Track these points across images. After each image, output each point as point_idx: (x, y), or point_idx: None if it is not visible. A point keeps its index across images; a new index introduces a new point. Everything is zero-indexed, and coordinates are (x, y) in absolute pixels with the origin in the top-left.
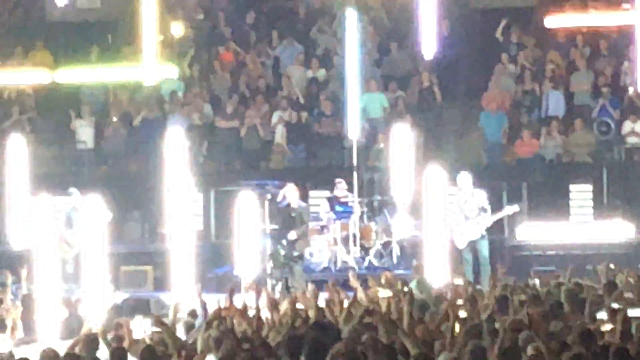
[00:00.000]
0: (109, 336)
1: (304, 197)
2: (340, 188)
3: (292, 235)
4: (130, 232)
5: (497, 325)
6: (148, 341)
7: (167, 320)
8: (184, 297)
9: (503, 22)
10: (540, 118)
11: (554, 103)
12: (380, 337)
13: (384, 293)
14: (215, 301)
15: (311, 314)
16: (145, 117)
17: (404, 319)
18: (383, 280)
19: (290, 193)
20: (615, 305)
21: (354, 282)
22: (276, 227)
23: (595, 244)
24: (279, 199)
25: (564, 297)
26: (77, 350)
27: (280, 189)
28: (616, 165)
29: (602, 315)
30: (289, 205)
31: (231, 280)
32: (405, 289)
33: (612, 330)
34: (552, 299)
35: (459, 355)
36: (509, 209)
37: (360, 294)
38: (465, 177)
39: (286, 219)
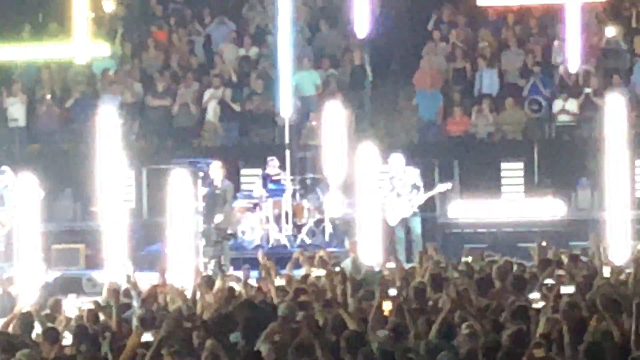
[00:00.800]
0: (42, 314)
1: (236, 175)
2: (273, 166)
3: (219, 218)
4: (62, 211)
5: (430, 303)
6: (82, 320)
7: (101, 299)
8: (117, 275)
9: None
10: (472, 96)
11: (488, 81)
12: (315, 316)
13: (318, 272)
14: (148, 279)
15: (244, 292)
16: (77, 95)
17: (338, 297)
18: (317, 259)
19: (214, 171)
20: (548, 282)
21: (263, 261)
22: (204, 205)
23: (526, 222)
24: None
25: (495, 274)
26: (10, 328)
27: (225, 168)
28: (547, 143)
29: (534, 293)
30: (212, 183)
31: (163, 259)
32: (337, 268)
33: (544, 307)
34: (484, 277)
35: (395, 333)
36: (441, 187)
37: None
38: (398, 156)
39: (211, 198)
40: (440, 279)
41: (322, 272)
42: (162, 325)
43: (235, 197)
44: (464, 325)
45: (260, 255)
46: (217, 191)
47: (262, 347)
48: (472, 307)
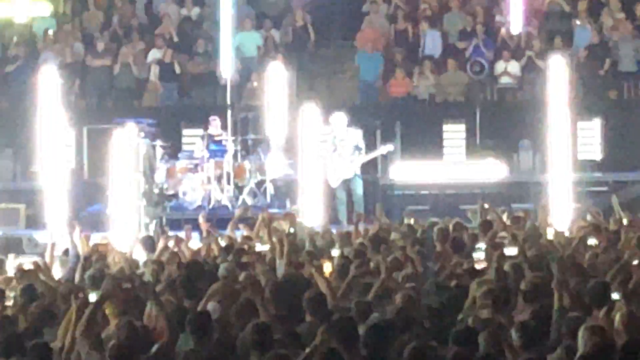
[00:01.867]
0: None
1: (178, 135)
2: (215, 126)
3: (159, 178)
4: (2, 170)
5: (372, 265)
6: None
7: (42, 260)
8: (58, 235)
9: None
10: (414, 58)
11: (431, 42)
12: (257, 276)
13: (262, 247)
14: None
15: (186, 253)
16: (16, 54)
17: (284, 259)
18: (259, 220)
19: (128, 130)
20: (488, 244)
21: (204, 224)
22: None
23: (468, 184)
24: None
25: (436, 236)
26: None
27: (152, 127)
28: (489, 105)
29: (476, 255)
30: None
31: (104, 218)
32: (291, 230)
33: (486, 268)
34: (426, 239)
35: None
36: (383, 149)
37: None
38: (340, 117)
39: (146, 158)
40: (381, 241)
41: (265, 247)
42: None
43: (175, 158)
44: (399, 293)
45: (200, 218)
46: (142, 151)
47: (210, 306)
48: (414, 270)
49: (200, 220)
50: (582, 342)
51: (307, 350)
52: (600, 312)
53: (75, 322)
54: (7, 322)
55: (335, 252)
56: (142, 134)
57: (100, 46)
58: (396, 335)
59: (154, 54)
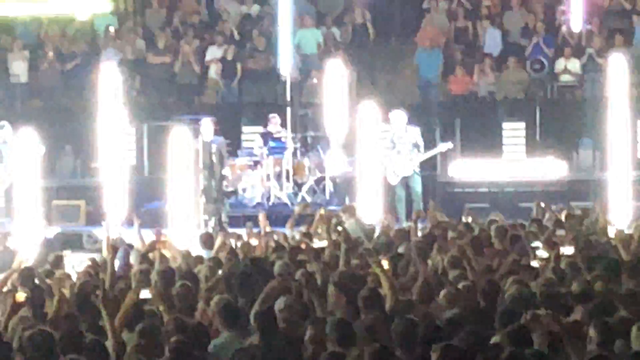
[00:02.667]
0: (42, 270)
1: (237, 132)
2: (274, 123)
3: (227, 174)
4: (62, 167)
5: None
6: (82, 276)
7: (100, 257)
8: (117, 231)
9: None
10: (474, 55)
11: (491, 40)
12: (314, 274)
13: (320, 243)
14: (147, 235)
15: (243, 250)
16: (78, 51)
17: (342, 256)
18: (318, 217)
19: (205, 127)
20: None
21: (263, 222)
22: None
23: (527, 182)
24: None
25: (494, 234)
26: (9, 283)
27: (213, 124)
28: (549, 103)
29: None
30: (203, 140)
31: (163, 215)
32: (340, 227)
33: (543, 266)
34: (484, 236)
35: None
36: (443, 146)
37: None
38: (399, 114)
39: (205, 156)
40: (436, 239)
41: (323, 243)
42: (159, 282)
43: (235, 155)
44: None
45: (260, 216)
46: (213, 149)
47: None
48: (470, 267)
49: (260, 217)
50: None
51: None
52: None
53: (123, 318)
54: (66, 319)
55: (394, 250)
56: (213, 131)
57: (161, 43)
58: (451, 335)
59: (214, 51)
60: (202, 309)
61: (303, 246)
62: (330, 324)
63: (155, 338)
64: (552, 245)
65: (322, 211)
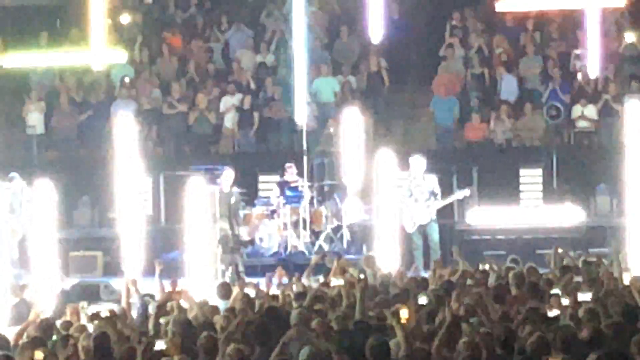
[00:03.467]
0: (58, 322)
1: (254, 182)
2: (291, 172)
3: (243, 230)
4: (79, 218)
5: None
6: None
7: (119, 307)
8: (134, 281)
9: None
10: (490, 102)
11: (508, 87)
12: (330, 323)
13: (336, 281)
14: (163, 286)
15: (260, 300)
16: (94, 101)
17: (357, 305)
18: (336, 266)
19: (224, 178)
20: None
21: (280, 274)
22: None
23: (545, 228)
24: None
25: (512, 281)
26: (25, 336)
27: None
28: (566, 149)
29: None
30: (221, 190)
31: (180, 265)
32: (362, 275)
33: (562, 314)
34: (501, 283)
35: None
36: (460, 194)
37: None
38: (418, 161)
39: (224, 205)
40: (456, 286)
41: (340, 282)
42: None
43: (252, 205)
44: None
45: (277, 270)
46: (232, 200)
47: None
48: (487, 314)
49: (277, 271)
50: None
51: None
52: None
53: None
54: None
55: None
56: (219, 181)
57: (177, 93)
58: None
59: (230, 101)
60: None
61: (321, 295)
62: None
63: None
64: (570, 291)
65: (340, 260)
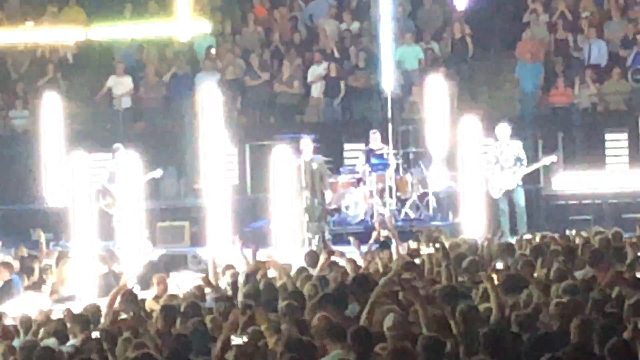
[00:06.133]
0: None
1: (339, 150)
2: (375, 139)
3: (328, 194)
4: (166, 188)
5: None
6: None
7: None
8: (222, 251)
9: None
10: (574, 67)
11: (593, 51)
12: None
13: (426, 250)
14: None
15: (349, 268)
16: (178, 73)
17: (443, 271)
18: (424, 237)
19: (304, 146)
20: None
21: (356, 244)
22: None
23: (631, 193)
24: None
25: (599, 245)
26: (116, 305)
27: (314, 143)
28: None
29: None
30: (303, 158)
31: (267, 234)
32: (437, 245)
33: None
34: (592, 248)
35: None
36: (546, 160)
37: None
38: (503, 128)
39: (307, 174)
40: (541, 253)
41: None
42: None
43: (337, 173)
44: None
45: (352, 240)
46: (314, 166)
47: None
48: (573, 281)
49: (352, 241)
50: None
51: None
52: None
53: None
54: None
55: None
56: (313, 149)
57: (261, 62)
58: (555, 348)
59: (315, 70)
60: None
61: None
62: (421, 342)
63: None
64: None
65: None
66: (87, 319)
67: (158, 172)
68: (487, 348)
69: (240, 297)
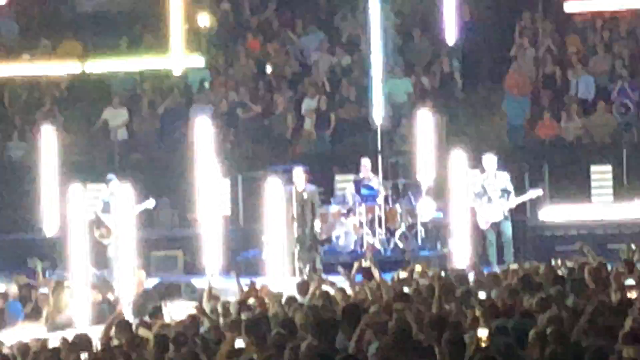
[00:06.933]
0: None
1: (330, 181)
2: (365, 168)
3: (317, 225)
4: (161, 218)
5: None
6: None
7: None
8: (215, 280)
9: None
10: (560, 101)
11: (583, 86)
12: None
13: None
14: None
15: (338, 297)
16: (172, 105)
17: (435, 301)
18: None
19: (297, 177)
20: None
21: (344, 275)
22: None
23: (616, 224)
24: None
25: (587, 275)
26: (111, 334)
27: (308, 174)
28: (636, 146)
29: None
30: (295, 189)
31: (259, 264)
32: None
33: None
34: (576, 278)
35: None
36: (533, 193)
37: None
38: (490, 159)
39: (298, 205)
40: (530, 281)
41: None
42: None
43: (328, 203)
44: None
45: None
46: (305, 196)
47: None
48: (558, 311)
49: (340, 271)
50: None
51: None
52: None
53: None
54: None
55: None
56: (305, 180)
57: (254, 95)
58: None
59: (309, 103)
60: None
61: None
62: None
63: None
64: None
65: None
66: (81, 346)
67: (151, 203)
68: None
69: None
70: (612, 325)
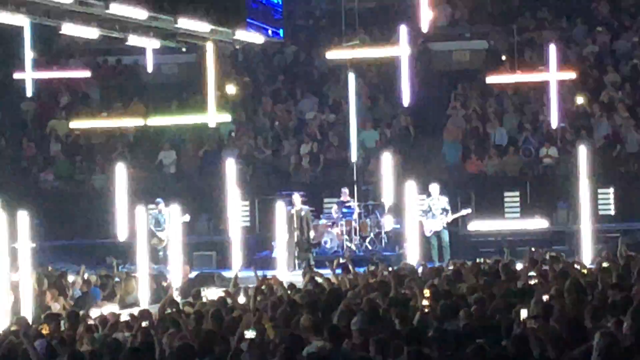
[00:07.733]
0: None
1: (320, 202)
2: (345, 194)
3: (311, 233)
4: (199, 228)
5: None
6: (215, 303)
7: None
8: (239, 273)
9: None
10: (483, 146)
11: (499, 136)
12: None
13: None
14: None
15: (325, 284)
16: (208, 149)
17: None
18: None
19: (295, 200)
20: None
21: (330, 268)
22: (296, 224)
23: (522, 233)
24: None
25: (501, 269)
26: (166, 309)
27: (304, 197)
28: (536, 179)
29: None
30: (294, 209)
31: (271, 260)
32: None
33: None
34: (493, 271)
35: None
36: (464, 212)
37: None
38: (434, 187)
39: (297, 219)
40: (461, 273)
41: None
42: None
43: (319, 218)
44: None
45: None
46: (302, 213)
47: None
48: (480, 295)
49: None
50: (597, 345)
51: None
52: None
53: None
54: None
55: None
56: (301, 202)
57: (266, 142)
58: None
59: (305, 148)
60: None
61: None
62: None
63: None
64: (541, 274)
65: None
66: (144, 318)
67: (187, 217)
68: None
69: (252, 305)
70: (516, 304)
